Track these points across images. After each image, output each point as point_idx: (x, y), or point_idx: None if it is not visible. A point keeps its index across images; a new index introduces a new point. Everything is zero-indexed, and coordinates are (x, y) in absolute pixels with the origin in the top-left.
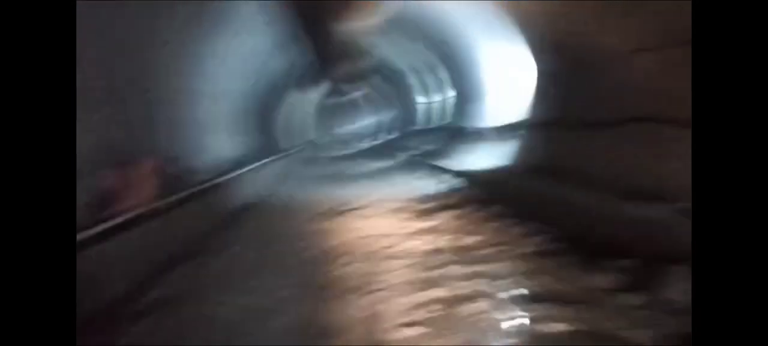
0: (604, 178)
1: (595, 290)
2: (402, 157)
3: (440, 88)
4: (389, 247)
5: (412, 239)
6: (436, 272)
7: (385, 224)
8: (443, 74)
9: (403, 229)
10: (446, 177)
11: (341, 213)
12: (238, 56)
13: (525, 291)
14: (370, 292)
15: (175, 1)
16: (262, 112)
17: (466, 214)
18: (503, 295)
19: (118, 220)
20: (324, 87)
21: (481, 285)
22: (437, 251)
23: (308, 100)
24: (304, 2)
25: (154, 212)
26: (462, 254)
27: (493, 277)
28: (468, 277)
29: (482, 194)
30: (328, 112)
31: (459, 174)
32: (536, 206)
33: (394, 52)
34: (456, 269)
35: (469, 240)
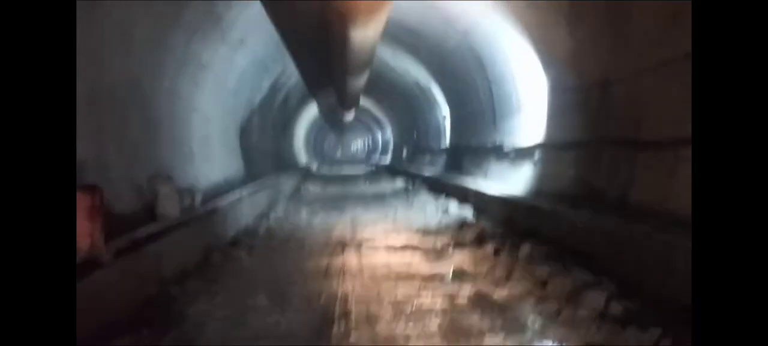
0: (663, 209)
1: None
2: (402, 182)
3: (442, 107)
4: (399, 305)
5: (426, 290)
6: None
7: (391, 269)
8: (444, 91)
9: (412, 276)
10: (454, 206)
11: (339, 252)
12: (233, 71)
13: None
14: None
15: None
16: (252, 134)
17: (487, 255)
18: None
19: None
20: (322, 105)
21: None
22: (461, 310)
23: (302, 119)
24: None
25: (96, 259)
26: (497, 316)
27: None
28: None
29: (503, 228)
30: (325, 133)
31: (469, 202)
32: (580, 244)
33: (392, 65)
34: (496, 342)
35: (500, 294)
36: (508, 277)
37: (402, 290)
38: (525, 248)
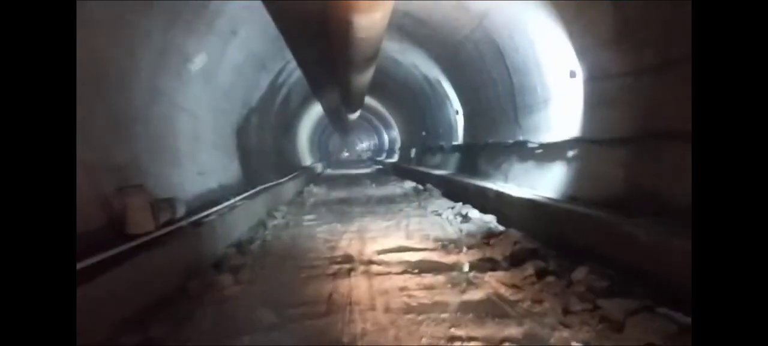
0: None
1: None
2: (411, 184)
3: (453, 102)
4: None
5: (458, 332)
6: None
7: (409, 297)
8: (457, 85)
9: (437, 309)
10: (474, 212)
11: (345, 274)
12: (225, 66)
13: None
14: None
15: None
16: (251, 135)
17: (528, 279)
18: None
19: None
20: (326, 105)
21: None
22: None
23: (305, 119)
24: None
25: None
26: None
27: None
28: None
29: (539, 240)
30: (330, 133)
31: (490, 207)
32: (656, 268)
33: (399, 60)
34: None
35: (559, 338)
36: (564, 313)
37: (427, 332)
38: (580, 272)
